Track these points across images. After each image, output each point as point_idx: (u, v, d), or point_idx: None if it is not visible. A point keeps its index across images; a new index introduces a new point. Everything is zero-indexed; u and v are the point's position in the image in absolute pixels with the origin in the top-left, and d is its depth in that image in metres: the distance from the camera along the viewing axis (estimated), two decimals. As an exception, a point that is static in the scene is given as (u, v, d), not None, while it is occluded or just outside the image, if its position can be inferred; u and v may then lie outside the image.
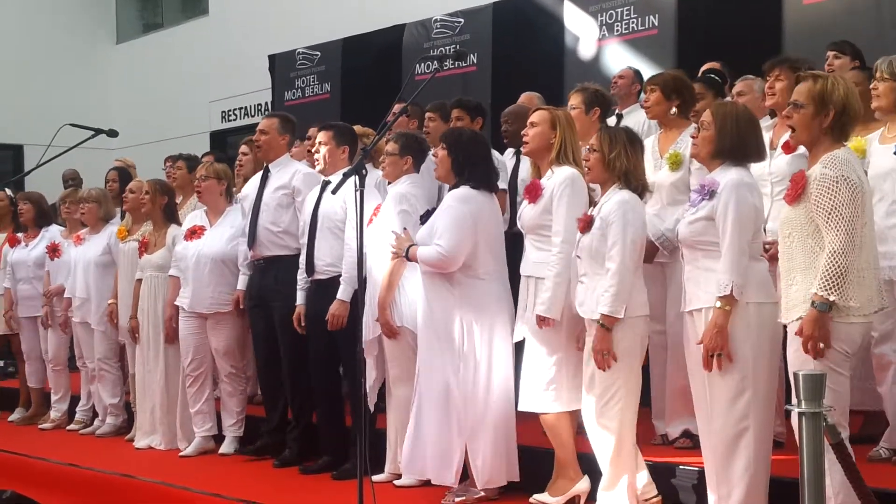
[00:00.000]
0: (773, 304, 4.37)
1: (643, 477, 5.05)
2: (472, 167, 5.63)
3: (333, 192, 5.23)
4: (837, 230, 4.00)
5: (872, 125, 5.30)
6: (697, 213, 4.55)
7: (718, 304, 4.39)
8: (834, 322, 4.03)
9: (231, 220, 7.26)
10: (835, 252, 3.98)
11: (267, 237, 6.81)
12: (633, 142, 5.05)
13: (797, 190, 4.13)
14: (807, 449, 3.02)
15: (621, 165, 4.96)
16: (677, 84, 5.81)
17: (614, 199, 4.94)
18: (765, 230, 4.93)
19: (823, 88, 4.14)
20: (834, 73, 4.26)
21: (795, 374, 3.05)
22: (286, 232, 6.77)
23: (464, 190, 5.58)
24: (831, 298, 3.98)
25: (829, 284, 3.98)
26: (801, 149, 4.49)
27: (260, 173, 7.05)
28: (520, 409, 5.40)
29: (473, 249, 5.49)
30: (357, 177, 4.81)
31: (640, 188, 5.04)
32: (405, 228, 5.70)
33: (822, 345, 4.00)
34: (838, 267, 3.97)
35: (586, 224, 5.01)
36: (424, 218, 5.75)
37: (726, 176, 4.51)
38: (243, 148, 7.91)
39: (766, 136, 5.43)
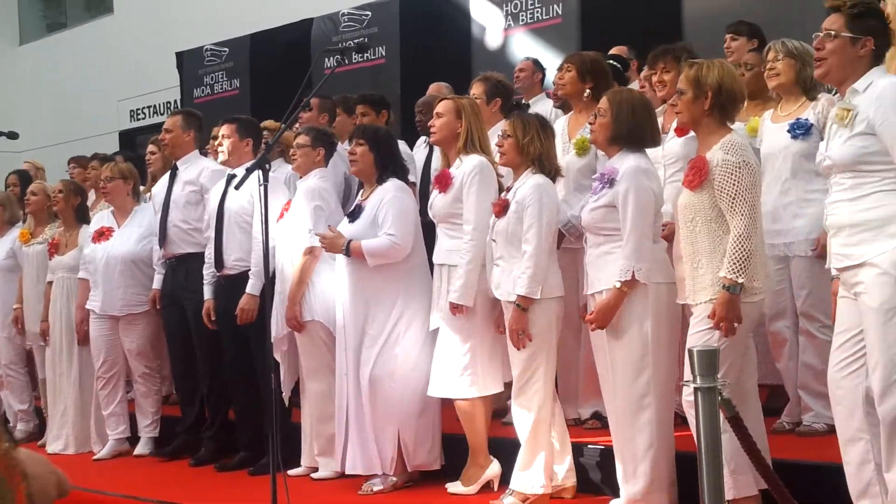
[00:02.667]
0: (671, 283, 4.50)
1: (567, 462, 5.12)
2: (393, 162, 5.73)
3: (236, 187, 5.21)
4: (742, 215, 4.12)
5: (769, 104, 5.42)
6: (599, 201, 4.66)
7: (618, 284, 4.50)
8: (742, 302, 4.15)
9: (139, 219, 7.19)
10: (740, 236, 4.11)
11: (177, 235, 6.76)
12: (545, 127, 5.15)
13: (700, 176, 4.24)
14: (703, 423, 3.07)
15: (535, 150, 5.04)
16: (594, 66, 5.81)
17: (529, 183, 5.01)
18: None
19: (698, 73, 4.28)
20: (711, 59, 4.37)
21: (690, 351, 3.11)
22: (196, 229, 6.72)
23: (398, 182, 5.66)
24: (740, 280, 4.10)
25: (737, 267, 4.09)
26: (692, 133, 4.61)
27: (169, 172, 6.99)
28: (433, 395, 5.45)
29: None
30: (260, 172, 4.79)
31: (553, 172, 5.12)
32: (329, 226, 5.68)
33: (736, 324, 4.13)
34: (744, 250, 4.09)
35: (501, 208, 5.07)
36: (354, 214, 5.73)
37: (625, 163, 4.62)
38: (151, 147, 7.83)
39: (658, 122, 5.54)
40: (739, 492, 4.23)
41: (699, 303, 4.26)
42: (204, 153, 7.25)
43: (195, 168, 6.85)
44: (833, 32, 3.85)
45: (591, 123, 4.83)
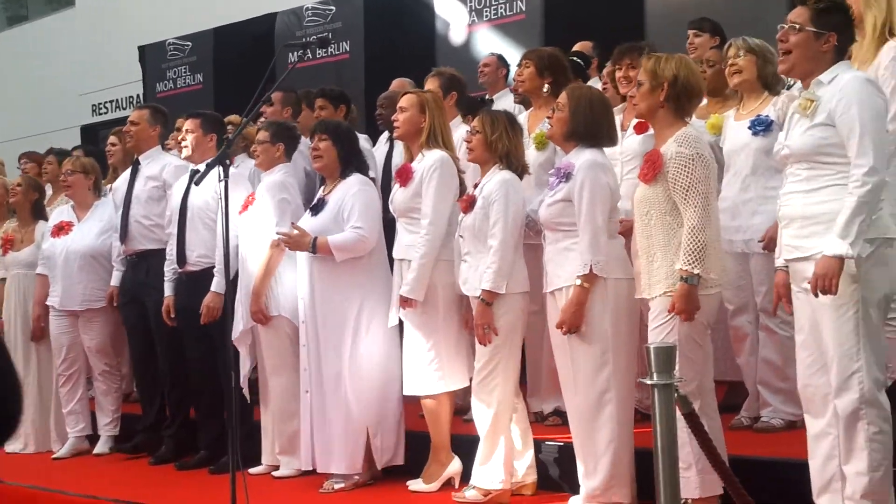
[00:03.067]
0: (630, 279, 4.51)
1: (528, 458, 5.12)
2: (355, 157, 5.73)
3: (196, 182, 5.16)
4: (695, 206, 4.13)
5: (730, 102, 5.44)
6: (555, 196, 4.67)
7: (579, 282, 4.50)
8: (700, 294, 4.17)
9: (100, 214, 7.13)
10: (694, 228, 4.12)
11: (139, 231, 6.71)
12: (513, 124, 5.16)
13: (654, 169, 4.26)
14: (660, 419, 3.09)
15: (503, 147, 5.05)
16: (552, 62, 5.84)
17: (496, 179, 5.02)
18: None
19: (655, 65, 4.32)
20: (670, 54, 4.40)
21: (647, 348, 3.12)
22: (158, 225, 6.67)
23: (361, 176, 5.67)
24: (696, 272, 4.11)
25: (692, 259, 4.11)
26: (652, 130, 4.60)
27: (131, 167, 6.93)
28: (406, 393, 5.43)
29: None
30: (220, 167, 4.75)
31: (521, 169, 5.12)
32: (293, 224, 5.65)
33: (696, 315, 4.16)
34: (698, 241, 4.11)
35: (468, 204, 5.07)
36: (317, 208, 5.71)
37: (581, 158, 4.63)
38: (112, 139, 7.76)
39: (618, 119, 5.54)
40: (706, 490, 4.23)
41: (654, 296, 4.28)
42: (165, 148, 7.18)
43: (157, 163, 6.80)
44: (798, 25, 3.87)
45: (549, 118, 4.84)
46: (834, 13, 3.91)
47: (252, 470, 5.89)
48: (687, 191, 4.15)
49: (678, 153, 4.19)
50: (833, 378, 3.77)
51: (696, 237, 4.12)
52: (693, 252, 4.12)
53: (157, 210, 6.70)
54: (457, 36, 9.40)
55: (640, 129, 5.13)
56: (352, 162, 5.71)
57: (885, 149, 3.79)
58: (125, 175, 6.95)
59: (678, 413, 3.15)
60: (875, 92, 3.81)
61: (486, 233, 4.95)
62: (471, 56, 8.84)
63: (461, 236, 5.12)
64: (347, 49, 10.22)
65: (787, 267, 3.99)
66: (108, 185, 7.47)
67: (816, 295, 3.70)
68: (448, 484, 5.35)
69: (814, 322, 3.86)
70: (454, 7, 9.39)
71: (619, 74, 5.52)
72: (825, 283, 3.66)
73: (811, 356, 3.89)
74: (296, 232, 5.56)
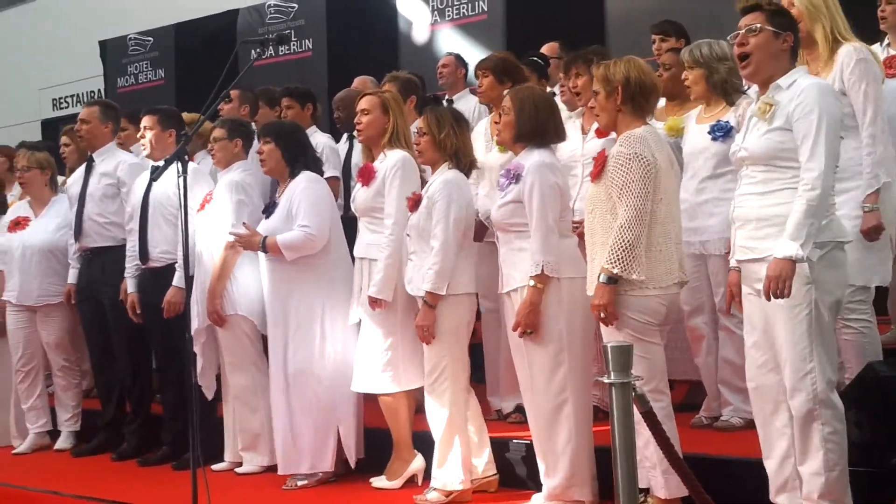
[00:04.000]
0: (583, 278, 4.52)
1: (485, 455, 5.17)
2: (304, 156, 5.71)
3: (155, 178, 5.14)
4: (627, 205, 4.17)
5: (688, 105, 5.49)
6: (506, 197, 4.70)
7: (532, 282, 4.54)
8: (632, 295, 4.21)
9: (57, 209, 7.10)
10: (622, 226, 4.16)
11: (93, 228, 6.69)
12: (458, 120, 5.19)
13: (598, 167, 4.33)
14: (617, 418, 3.14)
15: (451, 144, 5.07)
16: (507, 66, 5.90)
17: (440, 179, 5.05)
18: (576, 210, 5.09)
19: (606, 70, 4.37)
20: (619, 58, 4.44)
21: (604, 347, 3.17)
22: (113, 223, 6.66)
23: (310, 174, 5.64)
24: (614, 271, 4.16)
25: (613, 258, 4.16)
26: (613, 134, 4.64)
27: (85, 164, 6.91)
28: (355, 390, 5.46)
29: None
30: (179, 163, 4.74)
31: (469, 165, 5.15)
32: (244, 223, 5.66)
33: (603, 315, 4.18)
34: (625, 241, 4.15)
35: (415, 203, 5.10)
36: (269, 210, 5.71)
37: (530, 159, 4.67)
38: (64, 139, 7.70)
39: (578, 122, 5.59)
40: (671, 492, 4.27)
41: (592, 294, 4.32)
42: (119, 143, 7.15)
43: (112, 160, 6.77)
44: (757, 26, 3.92)
45: (496, 122, 4.88)
46: (786, 15, 4.03)
47: (215, 466, 5.91)
48: (621, 189, 4.18)
49: (618, 152, 4.25)
50: (787, 379, 3.82)
51: (623, 236, 4.15)
52: (616, 251, 4.15)
53: (111, 208, 6.69)
54: (420, 35, 9.44)
55: (600, 133, 5.19)
56: (299, 160, 5.68)
57: (836, 155, 3.85)
58: (79, 172, 6.92)
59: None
60: (833, 99, 3.88)
61: (430, 232, 4.98)
62: (433, 55, 8.89)
63: (408, 235, 5.15)
64: (310, 46, 10.24)
65: (739, 267, 4.04)
66: (64, 184, 7.43)
67: (769, 298, 3.74)
68: (411, 481, 5.39)
69: (766, 322, 3.91)
70: (417, 6, 9.45)
71: (569, 84, 5.58)
72: (778, 286, 3.70)
73: (764, 356, 3.94)
74: (247, 231, 5.57)
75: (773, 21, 3.93)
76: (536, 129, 4.71)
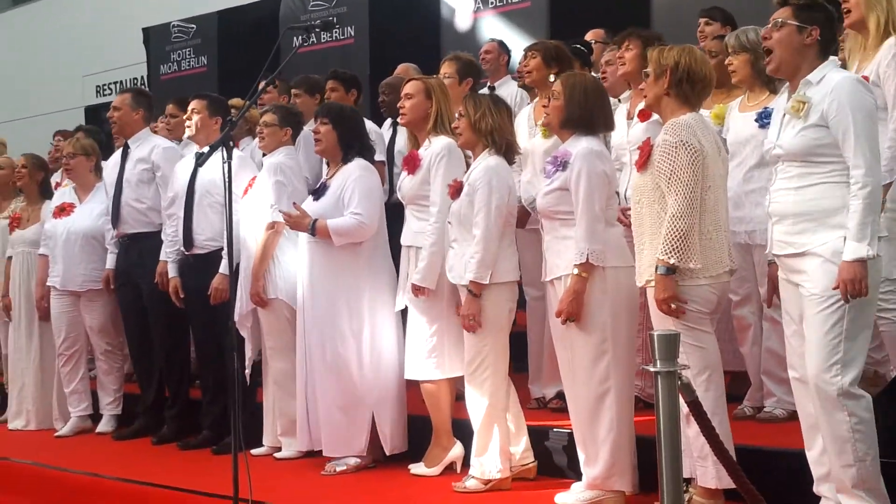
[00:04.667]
0: (629, 267, 4.50)
1: (523, 442, 5.14)
2: (359, 141, 5.70)
3: (200, 164, 5.16)
4: (677, 194, 4.13)
5: (735, 93, 5.43)
6: (552, 184, 4.66)
7: (576, 271, 4.51)
8: (684, 285, 4.17)
9: (101, 196, 7.13)
10: (674, 216, 4.12)
11: (131, 214, 6.74)
12: (496, 103, 5.16)
13: (643, 157, 4.29)
14: (663, 407, 3.10)
15: (486, 125, 5.03)
16: (558, 52, 5.87)
17: (481, 166, 5.02)
18: (626, 197, 5.05)
19: (659, 54, 4.33)
20: (675, 45, 4.42)
21: (650, 335, 3.14)
22: (150, 208, 6.71)
23: (363, 161, 5.63)
24: (671, 262, 4.12)
25: (668, 248, 4.12)
26: (656, 116, 4.63)
27: (121, 150, 6.95)
28: (406, 377, 5.46)
29: None
30: (224, 149, 4.75)
31: (507, 147, 5.09)
32: (294, 203, 5.65)
33: (673, 305, 4.15)
34: (678, 230, 4.11)
35: (456, 190, 5.07)
36: (318, 193, 5.71)
37: (577, 146, 4.63)
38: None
39: (624, 107, 5.55)
40: (722, 482, 4.20)
41: (642, 284, 4.31)
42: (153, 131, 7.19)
43: (147, 146, 6.82)
44: (780, 21, 3.94)
45: (544, 107, 4.84)
46: (816, 9, 3.97)
47: (254, 451, 5.92)
48: (669, 178, 4.14)
49: (663, 141, 4.21)
50: (811, 366, 3.81)
51: (675, 225, 4.11)
52: (670, 241, 4.11)
53: (148, 193, 6.73)
54: (462, 22, 9.41)
55: (643, 116, 5.12)
56: (353, 146, 5.68)
57: (878, 146, 3.86)
58: (115, 158, 6.97)
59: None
60: (865, 92, 3.87)
61: (472, 220, 4.96)
62: (476, 43, 8.80)
63: (449, 222, 5.12)
64: (352, 34, 10.23)
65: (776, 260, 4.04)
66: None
67: (847, 301, 3.73)
68: (450, 468, 5.38)
69: (803, 313, 3.90)
70: (460, -7, 9.41)
71: (616, 54, 5.53)
72: (856, 288, 3.70)
73: (803, 346, 3.92)
74: (297, 212, 5.57)
75: (799, 15, 3.92)
76: (585, 115, 4.66)
